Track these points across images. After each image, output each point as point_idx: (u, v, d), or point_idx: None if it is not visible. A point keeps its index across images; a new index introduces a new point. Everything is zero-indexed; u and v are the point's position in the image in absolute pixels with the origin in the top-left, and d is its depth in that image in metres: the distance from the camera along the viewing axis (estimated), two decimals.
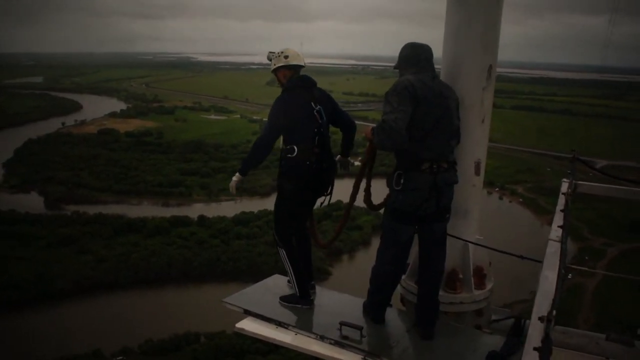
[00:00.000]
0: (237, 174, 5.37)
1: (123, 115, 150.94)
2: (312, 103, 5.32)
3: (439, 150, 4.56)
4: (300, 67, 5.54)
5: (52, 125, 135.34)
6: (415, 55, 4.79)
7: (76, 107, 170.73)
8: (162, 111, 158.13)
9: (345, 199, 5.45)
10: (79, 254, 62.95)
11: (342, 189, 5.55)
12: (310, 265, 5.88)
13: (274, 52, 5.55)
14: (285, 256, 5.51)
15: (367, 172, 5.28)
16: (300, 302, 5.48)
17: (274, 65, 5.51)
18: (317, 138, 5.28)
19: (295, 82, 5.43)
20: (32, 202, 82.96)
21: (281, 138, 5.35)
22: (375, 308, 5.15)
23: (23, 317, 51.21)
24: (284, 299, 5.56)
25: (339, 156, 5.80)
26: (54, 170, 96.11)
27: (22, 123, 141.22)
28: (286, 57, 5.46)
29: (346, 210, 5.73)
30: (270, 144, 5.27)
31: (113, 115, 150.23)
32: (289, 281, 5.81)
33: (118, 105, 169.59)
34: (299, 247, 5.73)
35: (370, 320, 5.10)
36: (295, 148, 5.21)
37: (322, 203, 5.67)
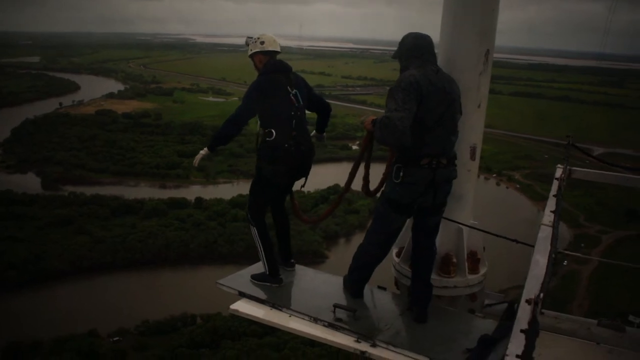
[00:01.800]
0: (205, 148, 5.47)
1: (121, 96, 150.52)
2: (288, 87, 5.40)
3: (439, 147, 4.57)
4: (276, 52, 5.61)
5: (49, 105, 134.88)
6: (418, 47, 4.75)
7: (74, 87, 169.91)
8: (160, 92, 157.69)
9: (343, 183, 5.48)
10: (75, 234, 62.98)
11: (340, 173, 5.59)
12: (289, 244, 6.06)
13: (251, 37, 5.63)
14: (257, 234, 5.62)
15: (365, 161, 5.31)
16: (269, 280, 5.57)
17: (251, 50, 5.59)
18: (294, 121, 5.35)
19: (270, 67, 5.49)
20: (29, 182, 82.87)
21: (258, 123, 5.42)
22: (354, 284, 5.26)
23: (20, 297, 51.36)
24: (255, 277, 5.64)
25: (313, 132, 5.90)
26: (51, 151, 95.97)
27: (19, 103, 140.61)
28: (262, 42, 5.54)
29: (339, 195, 5.78)
30: (241, 123, 5.40)
31: (111, 96, 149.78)
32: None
33: (116, 86, 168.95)
34: (278, 226, 5.94)
35: (349, 296, 5.21)
36: (274, 131, 5.28)
37: (302, 185, 5.80)
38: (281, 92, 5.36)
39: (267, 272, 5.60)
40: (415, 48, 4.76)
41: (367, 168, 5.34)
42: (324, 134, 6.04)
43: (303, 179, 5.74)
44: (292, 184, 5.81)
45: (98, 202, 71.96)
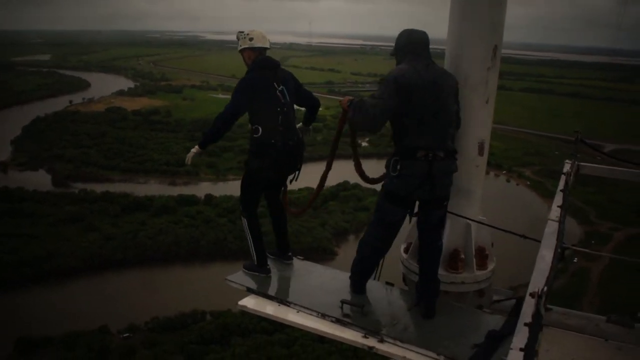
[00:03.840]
0: (197, 146, 5.57)
1: (131, 93, 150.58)
2: (275, 83, 5.49)
3: (434, 138, 4.62)
4: (265, 49, 5.68)
5: (60, 103, 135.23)
6: (411, 43, 4.85)
7: (84, 85, 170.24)
8: (169, 90, 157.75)
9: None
10: (86, 231, 63.22)
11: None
12: (287, 237, 6.12)
13: (242, 32, 5.69)
14: (247, 225, 5.78)
15: (351, 143, 5.46)
16: (258, 270, 5.72)
17: (240, 46, 5.67)
18: (280, 117, 5.44)
19: (258, 63, 5.58)
20: (40, 179, 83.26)
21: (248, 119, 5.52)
22: (356, 277, 5.29)
23: (32, 293, 51.69)
24: (245, 267, 5.81)
25: (300, 124, 5.95)
26: (61, 148, 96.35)
27: (30, 101, 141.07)
28: (251, 39, 5.62)
29: (321, 179, 5.79)
30: (230, 120, 5.46)
31: (121, 93, 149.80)
32: (270, 253, 6.05)
33: (126, 84, 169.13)
34: (274, 220, 6.05)
35: (354, 293, 5.22)
36: (260, 128, 5.42)
37: (291, 180, 5.90)
38: (268, 89, 5.45)
39: (256, 262, 5.74)
40: (408, 44, 4.86)
41: (355, 149, 5.52)
42: (310, 126, 6.10)
43: (295, 173, 5.85)
44: (284, 179, 5.91)
45: (108, 199, 72.18)
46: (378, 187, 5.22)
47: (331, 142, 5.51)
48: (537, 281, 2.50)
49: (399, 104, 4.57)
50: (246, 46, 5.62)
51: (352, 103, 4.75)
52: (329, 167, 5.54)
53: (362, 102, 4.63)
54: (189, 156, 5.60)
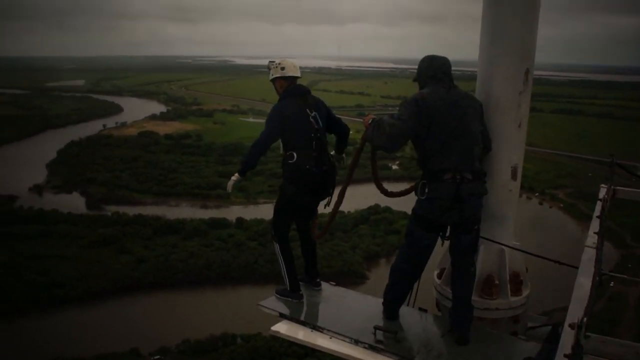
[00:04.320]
0: (237, 174, 5.66)
1: (163, 117, 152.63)
2: (308, 110, 5.60)
3: (459, 160, 4.61)
4: (296, 78, 5.82)
5: (93, 127, 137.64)
6: (432, 68, 4.91)
7: (117, 109, 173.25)
8: (201, 114, 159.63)
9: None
10: (118, 254, 63.82)
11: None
12: (316, 263, 6.18)
13: (273, 62, 5.84)
14: (279, 250, 5.84)
15: (370, 158, 5.42)
16: (290, 295, 5.77)
17: (272, 75, 5.81)
18: (314, 143, 5.55)
19: (290, 91, 5.71)
20: (74, 202, 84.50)
21: (281, 145, 5.64)
22: (388, 304, 5.27)
23: (65, 314, 52.25)
24: (278, 292, 5.87)
25: (332, 152, 6.00)
26: (95, 172, 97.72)
27: (64, 125, 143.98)
28: (282, 68, 5.77)
29: (340, 192, 5.74)
30: (264, 147, 5.58)
31: (153, 117, 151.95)
32: (299, 279, 6.07)
33: (158, 108, 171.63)
34: (304, 246, 6.10)
35: (386, 319, 5.19)
36: (295, 154, 5.51)
37: (325, 205, 5.89)
38: (301, 116, 5.57)
39: (288, 288, 5.80)
40: (429, 69, 4.93)
41: (373, 164, 5.48)
42: (344, 155, 6.15)
43: (327, 199, 5.86)
44: (316, 204, 5.94)
45: (141, 222, 72.83)
46: (409, 209, 5.21)
47: (352, 159, 5.48)
48: (576, 310, 2.46)
49: (419, 126, 4.60)
50: (278, 75, 5.76)
51: (373, 121, 4.79)
52: (347, 183, 5.52)
53: (381, 121, 4.68)
54: (230, 184, 5.71)
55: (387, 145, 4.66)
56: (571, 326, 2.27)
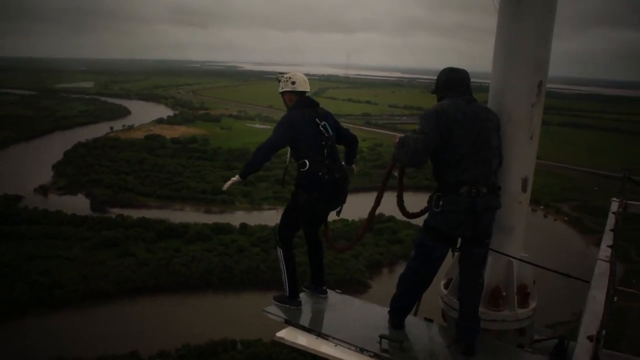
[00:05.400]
0: (238, 176, 5.62)
1: (170, 121, 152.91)
2: (317, 119, 5.66)
3: (477, 173, 4.60)
4: (305, 92, 5.88)
5: (101, 129, 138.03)
6: (452, 81, 4.94)
7: (125, 112, 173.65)
8: (208, 119, 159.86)
9: (387, 212, 5.54)
10: (121, 256, 63.79)
11: (387, 202, 5.62)
12: (323, 272, 6.18)
13: (284, 75, 5.91)
14: (282, 256, 5.84)
15: (398, 180, 5.42)
16: (289, 302, 5.77)
17: (282, 88, 5.88)
18: (325, 150, 5.59)
19: (299, 103, 5.78)
20: (79, 203, 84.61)
21: (288, 155, 5.74)
22: (394, 313, 5.26)
23: (65, 315, 52.27)
24: (276, 299, 5.87)
25: (342, 163, 5.99)
26: (100, 174, 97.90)
27: (72, 126, 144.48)
28: (293, 82, 5.84)
29: (368, 218, 5.82)
30: (270, 152, 5.56)
31: (160, 121, 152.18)
32: (305, 286, 6.18)
33: (165, 112, 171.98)
34: (311, 254, 6.11)
35: (392, 328, 5.19)
36: (307, 162, 5.53)
37: (338, 212, 5.94)
38: (311, 125, 5.63)
39: (287, 294, 5.80)
40: (449, 81, 4.96)
41: (400, 186, 5.45)
42: (354, 165, 6.22)
43: (339, 207, 5.90)
44: (327, 213, 5.97)
45: (144, 225, 72.77)
46: (413, 220, 5.19)
47: (382, 180, 5.53)
48: (590, 323, 2.43)
49: (440, 138, 4.56)
50: (288, 89, 5.83)
51: (399, 140, 4.77)
52: (377, 204, 5.54)
53: (405, 138, 4.66)
54: (228, 183, 5.69)
55: (415, 160, 4.63)
56: (590, 338, 2.24)
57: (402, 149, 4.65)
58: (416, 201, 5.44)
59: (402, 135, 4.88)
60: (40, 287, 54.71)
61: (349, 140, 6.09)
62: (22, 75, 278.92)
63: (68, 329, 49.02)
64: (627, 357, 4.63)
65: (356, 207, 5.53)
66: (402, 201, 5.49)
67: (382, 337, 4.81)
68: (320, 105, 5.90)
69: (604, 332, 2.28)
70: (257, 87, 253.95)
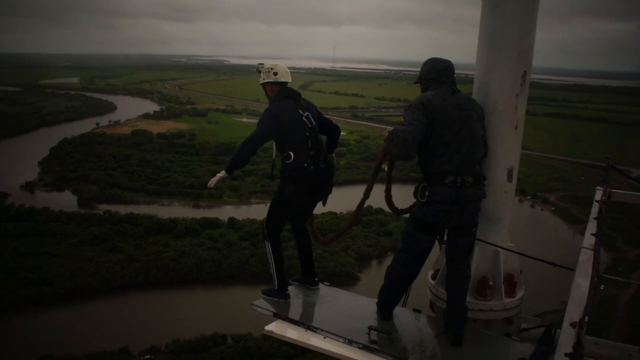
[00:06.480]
0: (223, 171, 5.61)
1: (156, 116, 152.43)
2: (300, 110, 5.61)
3: (462, 163, 4.61)
4: (286, 83, 5.82)
5: (86, 125, 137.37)
6: (436, 71, 4.92)
7: (110, 107, 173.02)
8: (194, 113, 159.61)
9: (375, 204, 5.55)
10: (110, 252, 63.68)
11: (374, 195, 5.63)
12: (312, 263, 6.15)
13: (263, 65, 5.85)
14: (270, 250, 5.79)
15: (386, 174, 5.44)
16: (277, 295, 5.75)
17: (263, 79, 5.81)
18: (309, 141, 5.56)
19: (282, 94, 5.73)
20: (66, 200, 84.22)
21: (274, 148, 5.70)
22: (382, 304, 5.27)
23: (54, 312, 52.11)
24: (265, 292, 5.85)
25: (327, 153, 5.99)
26: (87, 170, 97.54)
27: (57, 122, 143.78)
28: (275, 73, 5.76)
29: (357, 207, 5.80)
30: (255, 146, 5.54)
31: (146, 116, 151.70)
32: (294, 280, 6.16)
33: (151, 107, 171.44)
34: (299, 246, 6.09)
35: (380, 320, 5.19)
36: (292, 154, 5.49)
37: (324, 203, 5.94)
38: (294, 116, 5.57)
39: (276, 287, 5.78)
40: (433, 72, 4.93)
41: (388, 181, 5.49)
42: (334, 154, 6.14)
43: (325, 197, 5.89)
44: (314, 204, 5.98)
45: (132, 221, 72.73)
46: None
47: (371, 173, 5.53)
48: (574, 310, 2.45)
49: (426, 128, 4.58)
50: (270, 80, 5.76)
51: (388, 133, 4.75)
52: (366, 196, 5.53)
53: (394, 131, 4.63)
54: (214, 180, 5.65)
55: (405, 152, 4.57)
56: (572, 325, 2.26)
57: (391, 142, 4.62)
58: (403, 193, 5.45)
59: (390, 128, 4.87)
60: (29, 285, 54.52)
61: (332, 130, 6.06)
62: (6, 72, 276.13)
63: (57, 326, 48.86)
64: (613, 344, 4.67)
65: (345, 199, 5.52)
66: (391, 197, 5.50)
67: (370, 328, 4.82)
68: (302, 96, 5.86)
69: (586, 318, 2.30)
70: (244, 81, 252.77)
